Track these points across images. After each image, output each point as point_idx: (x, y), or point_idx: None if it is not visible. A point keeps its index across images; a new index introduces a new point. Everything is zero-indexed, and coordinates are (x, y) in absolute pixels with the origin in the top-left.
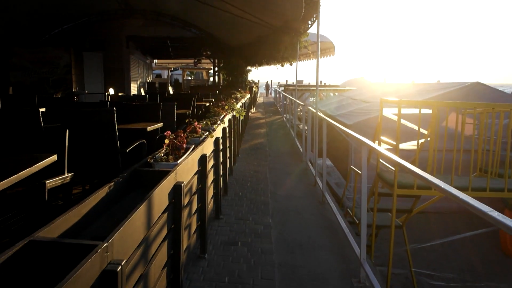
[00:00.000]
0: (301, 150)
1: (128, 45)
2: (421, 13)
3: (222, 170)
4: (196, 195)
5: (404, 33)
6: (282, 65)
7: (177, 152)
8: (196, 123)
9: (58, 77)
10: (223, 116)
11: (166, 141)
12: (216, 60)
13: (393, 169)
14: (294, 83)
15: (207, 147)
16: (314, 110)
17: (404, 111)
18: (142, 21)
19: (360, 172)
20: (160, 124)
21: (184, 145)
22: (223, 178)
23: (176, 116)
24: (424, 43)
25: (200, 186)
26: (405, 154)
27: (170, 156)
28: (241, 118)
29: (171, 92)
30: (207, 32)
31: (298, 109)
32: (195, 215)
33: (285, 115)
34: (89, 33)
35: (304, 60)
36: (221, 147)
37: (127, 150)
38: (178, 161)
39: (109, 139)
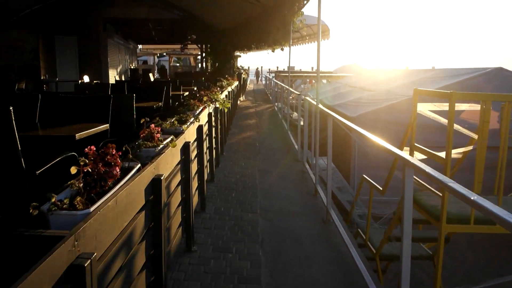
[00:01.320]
0: (296, 147)
1: (106, 28)
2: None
3: (198, 180)
4: (144, 242)
5: (397, 18)
6: (273, 50)
7: (102, 183)
8: (152, 126)
9: (24, 63)
10: (199, 111)
11: (73, 169)
12: (204, 46)
13: (438, 193)
14: (286, 70)
15: (167, 160)
16: (314, 102)
17: (422, 106)
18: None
19: (380, 188)
20: (104, 127)
21: (118, 169)
22: (199, 191)
23: (140, 112)
24: (418, 28)
25: (152, 224)
26: (436, 165)
27: (79, 198)
28: (225, 110)
29: (152, 79)
30: (191, 13)
31: (290, 97)
32: (143, 273)
33: (276, 104)
34: (62, 15)
35: (295, 45)
36: (195, 153)
37: (37, 172)
38: (92, 209)
39: (3, 157)
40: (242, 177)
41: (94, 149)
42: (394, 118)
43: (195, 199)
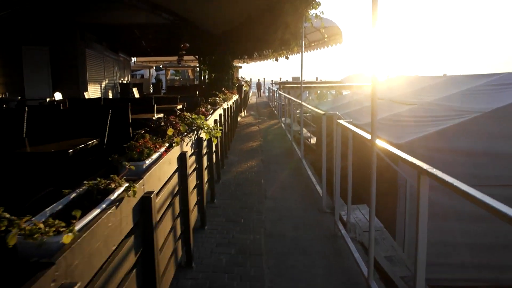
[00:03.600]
0: (318, 189)
1: (84, 37)
2: (427, 3)
3: None
4: None
5: (406, 23)
6: (277, 59)
7: None
8: None
9: None
10: (152, 160)
11: None
12: (202, 56)
13: None
14: (290, 80)
15: None
16: (363, 134)
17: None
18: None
19: None
20: None
21: None
22: None
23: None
24: (428, 34)
25: None
26: None
27: None
28: (214, 141)
29: (137, 95)
30: (182, 16)
31: (298, 111)
32: None
33: (282, 119)
34: (31, 22)
35: (305, 51)
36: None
37: None
38: None
39: None
40: (239, 252)
41: None
42: (466, 146)
43: None
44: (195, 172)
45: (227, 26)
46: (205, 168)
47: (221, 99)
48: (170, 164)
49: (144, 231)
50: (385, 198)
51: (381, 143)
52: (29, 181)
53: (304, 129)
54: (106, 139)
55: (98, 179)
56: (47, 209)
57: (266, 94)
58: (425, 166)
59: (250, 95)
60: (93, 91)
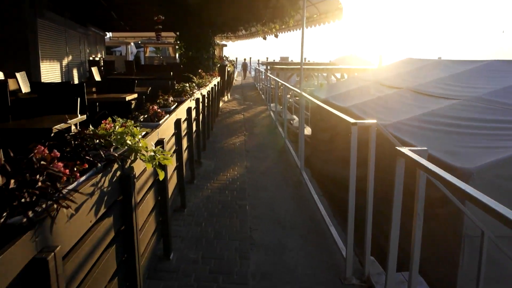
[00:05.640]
0: (333, 232)
1: (35, 3)
2: None
3: None
4: None
5: (399, 4)
6: (265, 38)
7: None
8: None
9: None
10: None
11: None
12: (179, 33)
13: None
14: (277, 61)
15: None
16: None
17: None
18: None
19: None
20: None
21: None
22: None
23: None
24: (421, 15)
25: None
26: None
27: None
28: (161, 176)
29: (98, 77)
30: None
31: (288, 96)
32: None
33: (271, 106)
34: None
35: (292, 31)
36: None
37: None
38: None
39: None
40: None
41: None
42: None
43: None
44: (119, 241)
45: None
46: (149, 216)
47: (194, 85)
48: None
49: None
50: (441, 252)
51: None
52: None
53: (295, 117)
54: None
55: None
56: None
57: (253, 74)
58: None
59: (235, 76)
60: (49, 70)
